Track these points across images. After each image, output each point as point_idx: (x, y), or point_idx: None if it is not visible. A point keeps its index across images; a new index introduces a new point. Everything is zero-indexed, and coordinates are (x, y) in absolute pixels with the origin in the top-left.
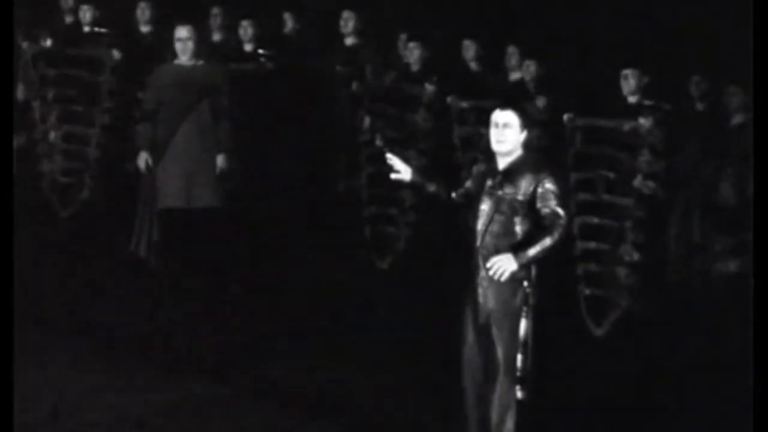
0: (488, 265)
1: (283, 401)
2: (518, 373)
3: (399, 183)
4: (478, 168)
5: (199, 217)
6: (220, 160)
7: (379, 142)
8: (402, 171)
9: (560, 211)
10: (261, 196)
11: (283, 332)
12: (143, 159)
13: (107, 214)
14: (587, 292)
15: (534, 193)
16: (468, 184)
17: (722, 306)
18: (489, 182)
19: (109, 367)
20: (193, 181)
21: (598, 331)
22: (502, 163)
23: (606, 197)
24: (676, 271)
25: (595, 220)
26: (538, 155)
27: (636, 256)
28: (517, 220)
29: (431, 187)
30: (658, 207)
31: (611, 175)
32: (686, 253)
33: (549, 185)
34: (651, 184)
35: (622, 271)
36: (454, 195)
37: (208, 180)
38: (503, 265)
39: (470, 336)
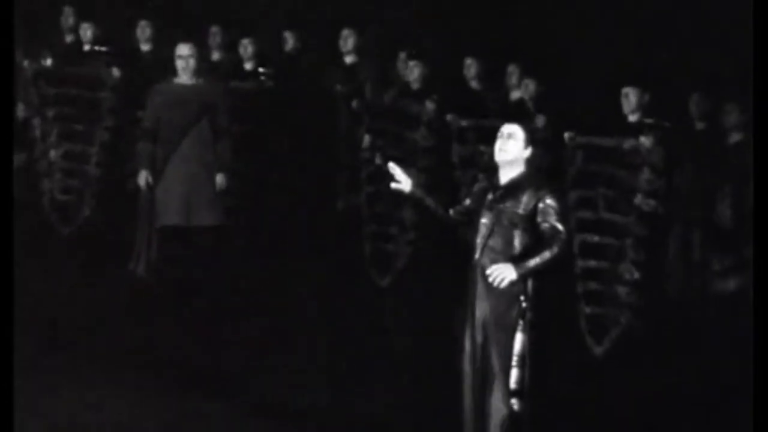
0: (488, 272)
1: (282, 419)
2: (514, 386)
3: (399, 200)
4: (478, 185)
5: (199, 235)
6: (220, 179)
7: (378, 160)
8: (402, 182)
9: (560, 226)
10: (260, 215)
11: (283, 350)
12: (143, 177)
13: (107, 232)
14: (587, 310)
15: (535, 208)
16: (468, 201)
17: (722, 324)
18: (490, 196)
19: (108, 384)
20: (192, 199)
21: (599, 350)
22: (504, 177)
23: (606, 215)
24: (676, 289)
25: (596, 238)
26: (540, 173)
27: (636, 275)
28: (516, 234)
29: (429, 201)
30: (658, 225)
31: (611, 193)
32: (686, 271)
33: (550, 201)
34: (651, 202)
35: (622, 290)
36: (452, 212)
37: (207, 198)
38: (502, 273)
39: (468, 348)
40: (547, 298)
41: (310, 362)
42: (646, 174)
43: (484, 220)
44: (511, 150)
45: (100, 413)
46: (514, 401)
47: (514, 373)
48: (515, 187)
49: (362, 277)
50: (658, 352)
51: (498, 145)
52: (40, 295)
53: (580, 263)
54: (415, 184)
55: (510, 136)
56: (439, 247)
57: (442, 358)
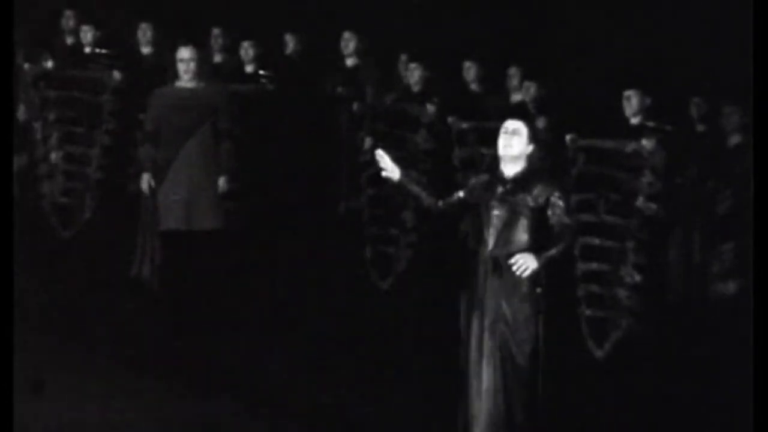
0: (512, 261)
1: (283, 420)
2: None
3: (400, 203)
4: (478, 179)
5: (201, 239)
6: (222, 182)
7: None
8: (390, 170)
9: (568, 220)
10: (262, 218)
11: (284, 352)
12: (146, 180)
13: (108, 235)
14: (588, 313)
15: (546, 202)
16: (461, 193)
17: (722, 327)
18: (500, 189)
19: (111, 387)
20: (194, 203)
21: (600, 353)
22: (509, 171)
23: (607, 218)
24: (676, 292)
25: (597, 241)
26: (542, 168)
27: (637, 278)
28: (526, 226)
29: (417, 190)
30: (659, 228)
31: (613, 196)
32: (686, 274)
33: (559, 195)
34: (653, 205)
35: (623, 293)
36: (441, 203)
37: (209, 202)
38: (526, 263)
39: (473, 341)
40: (550, 302)
41: (312, 364)
42: (647, 177)
43: (496, 212)
44: (516, 146)
45: (100, 414)
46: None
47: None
48: (524, 180)
49: (363, 279)
50: (659, 355)
51: (503, 140)
52: (40, 297)
53: (581, 266)
54: (404, 173)
55: (515, 132)
56: (440, 250)
57: (444, 359)
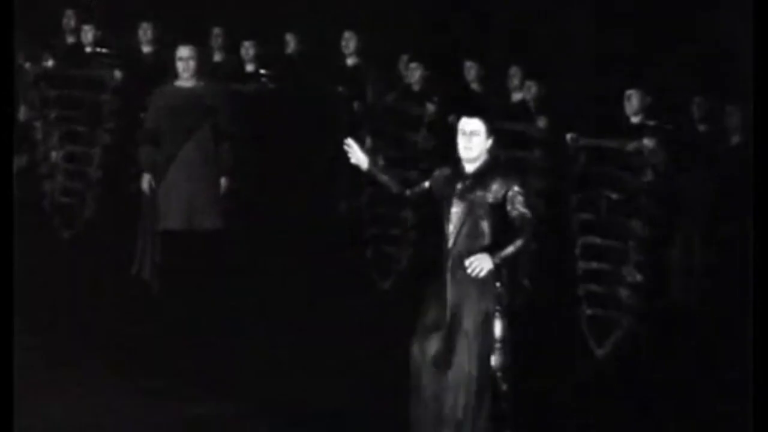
0: (466, 263)
1: (283, 420)
2: (498, 371)
3: (400, 203)
4: (441, 172)
5: (201, 239)
6: (223, 182)
7: (380, 162)
8: (360, 159)
9: (528, 212)
10: (262, 218)
11: (284, 352)
12: (146, 180)
13: (109, 235)
14: (589, 312)
15: (505, 197)
16: (426, 184)
17: (722, 326)
18: (459, 186)
19: (111, 387)
20: (194, 202)
21: (600, 352)
22: (470, 168)
23: (608, 217)
24: (677, 291)
25: (598, 240)
26: (501, 160)
27: (638, 277)
28: (486, 222)
29: (385, 179)
30: (660, 227)
31: (614, 195)
32: (687, 273)
33: (517, 189)
34: (654, 204)
35: (624, 292)
36: (408, 192)
37: (209, 202)
38: (480, 264)
39: (434, 337)
40: (550, 301)
41: (312, 364)
42: (648, 176)
43: (455, 210)
44: (476, 146)
45: (100, 414)
46: (502, 384)
47: (497, 358)
48: (483, 176)
49: (364, 279)
50: (660, 355)
51: (462, 143)
52: (41, 297)
53: (582, 265)
54: (372, 163)
55: (473, 133)
56: (440, 249)
57: None
